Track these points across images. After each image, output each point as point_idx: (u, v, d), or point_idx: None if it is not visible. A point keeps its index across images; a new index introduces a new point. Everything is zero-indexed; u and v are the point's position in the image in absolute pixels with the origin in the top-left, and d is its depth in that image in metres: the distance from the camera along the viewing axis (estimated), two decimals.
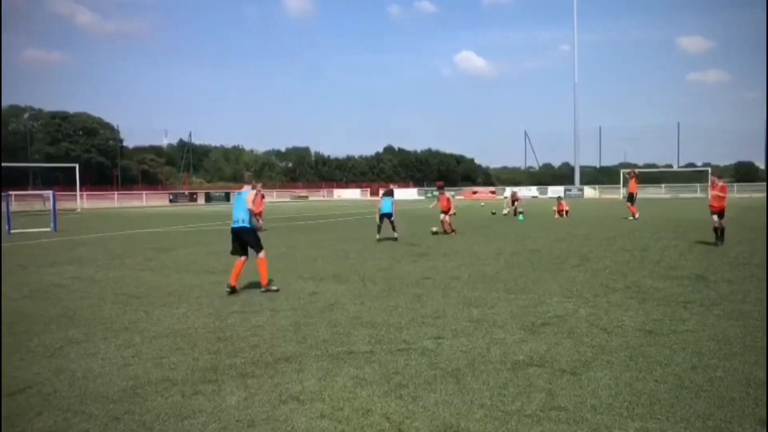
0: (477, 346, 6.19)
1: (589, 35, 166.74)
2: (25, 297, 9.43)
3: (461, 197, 73.41)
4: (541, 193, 69.66)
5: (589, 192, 68.55)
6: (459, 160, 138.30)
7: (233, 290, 9.30)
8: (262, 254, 9.66)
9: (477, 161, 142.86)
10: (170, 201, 63.78)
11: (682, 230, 19.06)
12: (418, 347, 6.20)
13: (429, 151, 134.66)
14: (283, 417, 4.44)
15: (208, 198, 67.27)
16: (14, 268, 12.88)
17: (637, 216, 25.01)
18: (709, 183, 16.13)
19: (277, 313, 7.90)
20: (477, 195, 68.53)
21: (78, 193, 47.28)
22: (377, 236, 17.80)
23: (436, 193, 24.07)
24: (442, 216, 19.86)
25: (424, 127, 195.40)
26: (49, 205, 28.88)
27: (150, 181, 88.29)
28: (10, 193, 26.79)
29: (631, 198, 26.01)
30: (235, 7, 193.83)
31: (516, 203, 29.81)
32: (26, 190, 57.03)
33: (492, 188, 73.62)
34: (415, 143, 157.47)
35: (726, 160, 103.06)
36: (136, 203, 62.02)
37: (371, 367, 5.57)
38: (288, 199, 74.14)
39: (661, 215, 28.56)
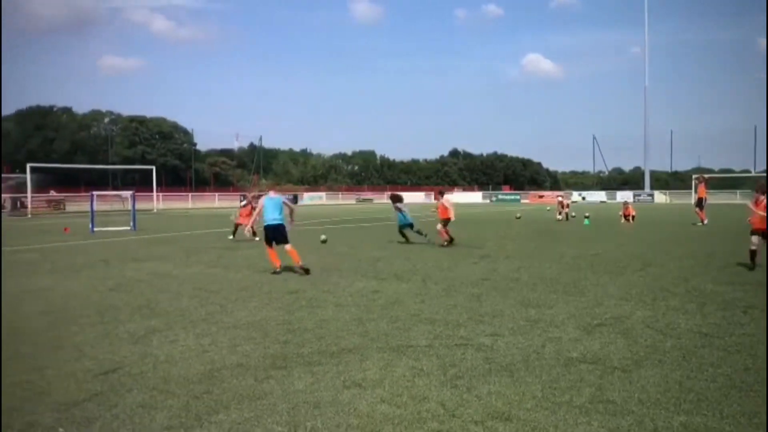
0: (532, 344, 6.44)
1: (660, 37, 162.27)
2: (111, 290, 10.17)
3: (527, 201, 72.80)
4: (609, 198, 68.36)
5: (660, 197, 66.85)
6: (525, 163, 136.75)
7: (279, 270, 11.66)
8: (288, 246, 11.87)
9: (544, 165, 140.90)
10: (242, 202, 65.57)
11: None
12: (474, 343, 6.49)
13: (495, 154, 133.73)
14: (347, 401, 4.82)
15: None
16: (98, 263, 13.80)
17: (705, 222, 24.44)
18: (753, 200, 12.60)
19: (341, 309, 8.32)
20: (543, 199, 67.69)
21: (155, 194, 49.36)
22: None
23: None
24: (438, 226, 17.26)
25: (490, 130, 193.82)
26: (128, 205, 30.38)
27: (222, 183, 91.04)
28: (93, 193, 28.29)
29: (699, 203, 25.43)
30: (303, 14, 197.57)
31: (566, 209, 29.55)
32: (106, 190, 59.91)
33: (560, 192, 72.74)
34: (481, 147, 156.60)
35: None
36: (208, 204, 64.12)
37: (429, 359, 5.91)
38: (353, 202, 75.16)
39: (732, 221, 27.71)
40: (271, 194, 12.23)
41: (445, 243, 16.72)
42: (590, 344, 6.39)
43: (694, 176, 29.90)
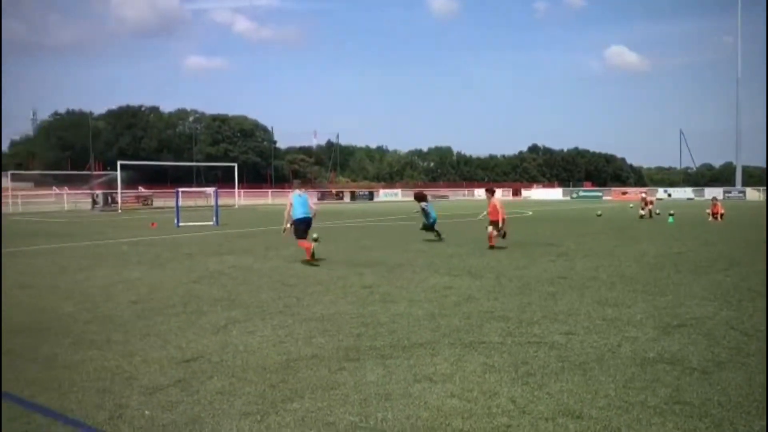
0: (608, 343, 6.32)
1: (754, 25, 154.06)
2: (194, 282, 10.61)
3: (609, 197, 70.80)
4: (696, 195, 65.58)
5: (752, 194, 63.57)
6: (608, 159, 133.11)
7: (313, 262, 12.52)
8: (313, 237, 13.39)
9: (628, 161, 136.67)
10: (318, 199, 66.76)
11: None
12: (548, 341, 6.43)
13: (576, 150, 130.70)
14: (417, 393, 4.89)
15: (353, 196, 69.65)
16: (182, 256, 14.41)
17: None
18: None
19: (414, 304, 8.40)
20: (627, 196, 65.64)
21: (236, 190, 50.86)
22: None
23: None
24: (489, 229, 15.43)
25: (572, 125, 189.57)
26: (211, 200, 31.43)
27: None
28: (178, 189, 29.45)
29: None
30: (379, 11, 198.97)
31: (650, 206, 28.55)
32: (191, 186, 62.20)
33: (643, 189, 70.35)
34: (561, 142, 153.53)
35: None
36: (287, 200, 65.44)
37: (501, 356, 5.90)
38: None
39: None
40: (298, 192, 13.72)
41: (491, 247, 15.09)
42: (669, 345, 6.22)
43: None
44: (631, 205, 39.42)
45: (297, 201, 13.35)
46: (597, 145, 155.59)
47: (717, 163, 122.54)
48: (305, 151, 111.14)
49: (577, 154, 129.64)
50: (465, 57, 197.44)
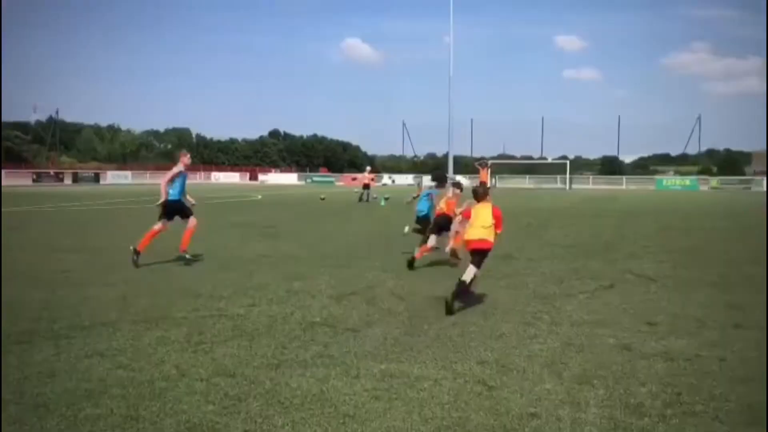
0: (283, 311, 7.01)
1: (471, 28, 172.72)
2: None
3: (341, 183, 74.57)
4: (417, 182, 71.92)
5: (463, 181, 71.21)
6: (345, 146, 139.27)
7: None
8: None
9: (363, 149, 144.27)
10: (33, 181, 60.50)
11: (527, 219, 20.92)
12: (229, 313, 6.93)
13: (315, 136, 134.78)
14: (84, 368, 5.04)
15: (75, 178, 64.34)
16: None
17: None
18: None
19: (108, 287, 8.36)
20: (356, 182, 69.65)
21: None
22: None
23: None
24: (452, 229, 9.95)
25: (312, 112, 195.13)
26: None
27: (14, 160, 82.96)
28: None
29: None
30: None
31: (366, 189, 31.13)
32: None
33: (371, 175, 75.30)
34: (301, 128, 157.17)
35: (595, 153, 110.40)
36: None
37: (179, 329, 6.24)
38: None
39: (515, 204, 30.84)
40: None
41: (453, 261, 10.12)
42: (335, 310, 7.10)
43: (475, 162, 32.44)
44: (355, 190, 42.13)
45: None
46: (337, 133, 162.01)
47: (440, 152, 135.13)
48: (21, 126, 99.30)
49: (316, 140, 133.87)
50: (206, 37, 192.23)
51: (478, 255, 7.45)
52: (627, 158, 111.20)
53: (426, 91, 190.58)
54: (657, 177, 73.34)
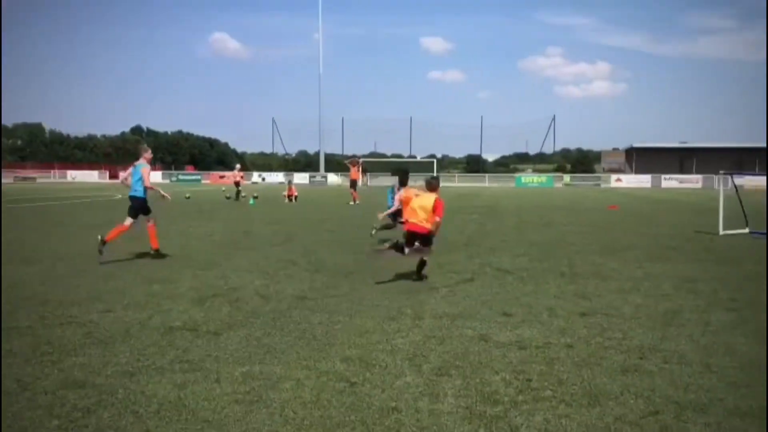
0: (140, 317, 6.69)
1: (341, 28, 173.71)
2: None
3: (208, 181, 72.48)
4: (288, 180, 71.31)
5: (334, 178, 71.83)
6: (213, 144, 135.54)
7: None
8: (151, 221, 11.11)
9: (232, 146, 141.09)
10: None
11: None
12: (81, 321, 6.51)
13: (181, 133, 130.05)
14: None
15: None
16: None
17: (357, 201, 27.16)
18: None
19: None
20: (224, 180, 68.00)
21: None
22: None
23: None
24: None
25: (177, 108, 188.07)
26: None
27: None
28: None
29: (353, 185, 28.14)
30: None
31: (239, 187, 30.52)
32: None
33: (240, 173, 73.81)
34: (166, 125, 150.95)
35: (461, 152, 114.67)
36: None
37: (22, 340, 5.79)
38: (11, 181, 66.80)
39: (384, 201, 31.36)
40: (140, 162, 11.02)
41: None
42: (196, 313, 6.87)
43: (345, 160, 32.74)
44: (223, 188, 41.10)
45: (133, 173, 11.01)
46: (205, 130, 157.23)
47: (312, 150, 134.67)
48: None
49: (182, 137, 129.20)
50: (62, 27, 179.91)
51: (413, 237, 8.59)
52: (490, 157, 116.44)
53: (297, 88, 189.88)
54: (516, 175, 77.12)
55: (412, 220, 8.61)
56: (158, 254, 10.90)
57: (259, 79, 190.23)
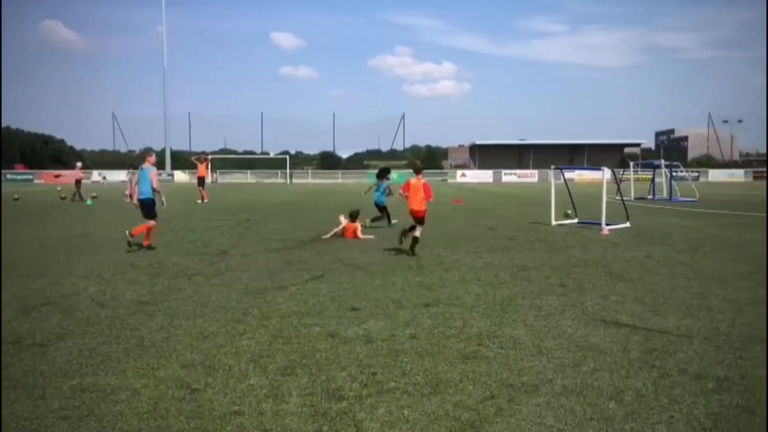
0: None
1: (188, 20, 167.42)
2: None
3: (42, 180, 67.28)
4: (129, 179, 67.72)
5: (181, 176, 69.21)
6: (47, 140, 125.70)
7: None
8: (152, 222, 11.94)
9: (69, 143, 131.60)
10: None
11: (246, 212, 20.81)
12: None
13: (9, 129, 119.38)
14: None
15: None
16: None
17: (206, 200, 26.32)
18: None
19: None
20: (60, 179, 63.37)
21: None
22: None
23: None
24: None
25: (4, 102, 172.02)
26: None
27: None
28: None
29: (201, 182, 27.23)
30: None
31: (78, 186, 28.64)
32: None
33: (81, 172, 69.06)
34: None
35: (314, 149, 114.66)
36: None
37: None
38: None
39: (235, 199, 30.64)
40: (146, 165, 12.02)
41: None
42: (20, 325, 6.32)
43: (192, 157, 31.68)
44: (58, 188, 38.25)
45: (141, 177, 12.03)
46: (37, 126, 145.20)
47: (158, 147, 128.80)
48: None
49: (10, 133, 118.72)
50: None
51: (418, 219, 11.14)
52: (343, 153, 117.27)
53: (140, 82, 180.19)
54: (369, 171, 78.40)
55: (415, 207, 11.15)
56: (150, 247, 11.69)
57: (98, 71, 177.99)
